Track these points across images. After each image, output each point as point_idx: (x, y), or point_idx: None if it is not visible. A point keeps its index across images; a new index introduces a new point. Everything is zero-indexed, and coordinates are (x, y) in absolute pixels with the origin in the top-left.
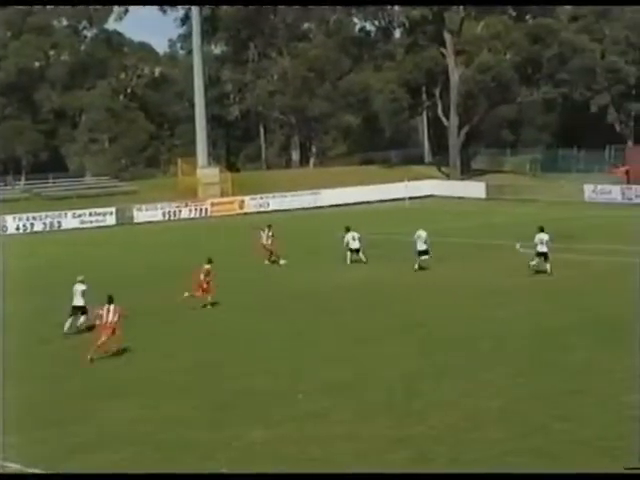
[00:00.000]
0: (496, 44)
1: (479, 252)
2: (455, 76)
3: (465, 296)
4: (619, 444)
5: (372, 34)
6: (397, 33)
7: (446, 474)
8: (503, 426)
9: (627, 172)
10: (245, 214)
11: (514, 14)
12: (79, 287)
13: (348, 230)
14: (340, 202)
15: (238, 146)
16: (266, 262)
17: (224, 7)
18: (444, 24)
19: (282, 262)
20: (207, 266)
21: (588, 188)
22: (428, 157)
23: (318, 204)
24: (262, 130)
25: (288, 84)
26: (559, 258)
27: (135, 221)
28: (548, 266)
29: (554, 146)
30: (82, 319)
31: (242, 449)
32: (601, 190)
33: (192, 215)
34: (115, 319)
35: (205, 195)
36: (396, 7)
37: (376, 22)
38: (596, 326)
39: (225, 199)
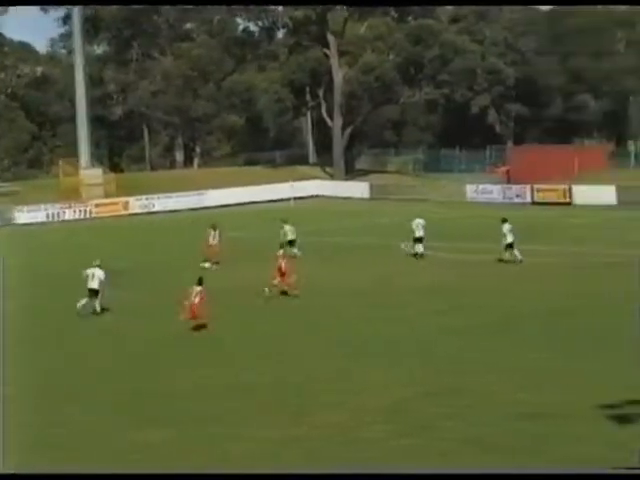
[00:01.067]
0: (379, 45)
1: (364, 251)
2: (339, 77)
3: (352, 295)
4: (509, 441)
5: (255, 34)
6: (280, 34)
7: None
8: (390, 425)
9: (507, 172)
10: (130, 215)
11: (396, 15)
12: (95, 272)
13: (284, 223)
14: (226, 203)
15: (121, 147)
16: (206, 265)
17: (107, 7)
18: (327, 25)
19: (207, 265)
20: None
21: (470, 188)
22: (312, 157)
23: (204, 205)
24: (146, 131)
25: (171, 84)
26: (443, 258)
27: (16, 222)
28: (516, 252)
29: (436, 146)
30: (96, 301)
31: (133, 450)
32: (482, 190)
33: (76, 216)
34: (196, 301)
35: (88, 196)
36: (280, 7)
37: (259, 22)
38: (490, 326)
39: (109, 200)
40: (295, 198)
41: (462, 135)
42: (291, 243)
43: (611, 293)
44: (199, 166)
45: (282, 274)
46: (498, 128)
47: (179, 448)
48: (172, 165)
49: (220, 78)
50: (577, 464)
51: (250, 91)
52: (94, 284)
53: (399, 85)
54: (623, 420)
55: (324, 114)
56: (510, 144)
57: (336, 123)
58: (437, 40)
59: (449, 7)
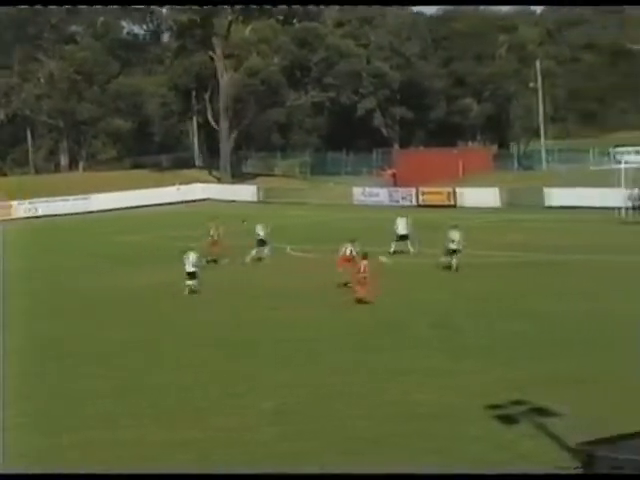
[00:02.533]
0: (264, 48)
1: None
2: (224, 80)
3: (251, 298)
4: (402, 441)
5: (140, 37)
6: (165, 37)
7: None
8: (278, 427)
9: (394, 175)
10: (13, 220)
11: (281, 18)
12: (191, 256)
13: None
14: (112, 207)
15: (5, 150)
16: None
17: None
18: (212, 28)
19: (225, 261)
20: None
21: (357, 191)
22: (199, 161)
23: (89, 209)
24: (29, 134)
25: (55, 87)
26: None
27: None
28: (454, 262)
29: (323, 149)
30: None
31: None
32: (369, 193)
33: None
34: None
35: None
36: (164, 10)
37: (144, 26)
38: (379, 326)
39: None
40: (183, 202)
41: (349, 138)
42: (261, 243)
43: (486, 293)
44: (84, 170)
45: None
46: (384, 131)
47: (83, 450)
48: (57, 169)
49: (105, 81)
50: (473, 465)
51: (136, 95)
52: (190, 268)
53: (285, 88)
54: (509, 420)
55: (210, 118)
56: (396, 147)
57: (222, 126)
58: (322, 43)
59: (334, 11)
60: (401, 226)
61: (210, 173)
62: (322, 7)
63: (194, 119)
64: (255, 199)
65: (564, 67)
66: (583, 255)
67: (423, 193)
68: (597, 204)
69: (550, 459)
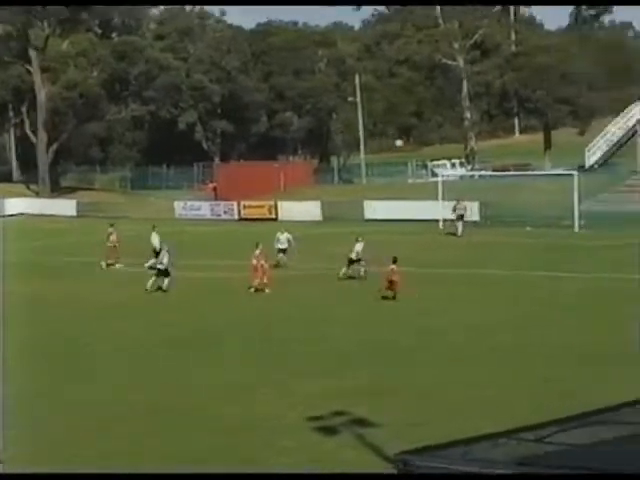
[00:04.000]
0: (82, 61)
1: (76, 269)
2: (42, 93)
3: (85, 310)
4: (213, 456)
5: None
6: None
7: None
8: (98, 443)
9: (215, 189)
10: None
11: (99, 31)
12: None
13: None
14: None
15: None
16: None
17: None
18: (29, 41)
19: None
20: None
21: (178, 205)
22: (16, 175)
23: None
24: None
25: None
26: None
27: None
28: (363, 270)
29: (144, 163)
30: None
31: None
32: (191, 206)
33: None
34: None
35: None
36: None
37: None
38: (192, 341)
39: None
40: (1, 216)
41: (170, 152)
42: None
43: (308, 304)
44: None
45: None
46: (205, 145)
47: None
48: None
49: None
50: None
51: None
52: (163, 265)
53: (104, 101)
54: (330, 431)
55: (28, 131)
56: (217, 161)
57: (40, 140)
58: (142, 56)
59: (153, 25)
60: (282, 240)
61: (28, 187)
62: (141, 20)
63: (11, 132)
64: (75, 213)
65: (382, 81)
66: (403, 267)
67: (245, 207)
68: (416, 216)
69: (368, 469)
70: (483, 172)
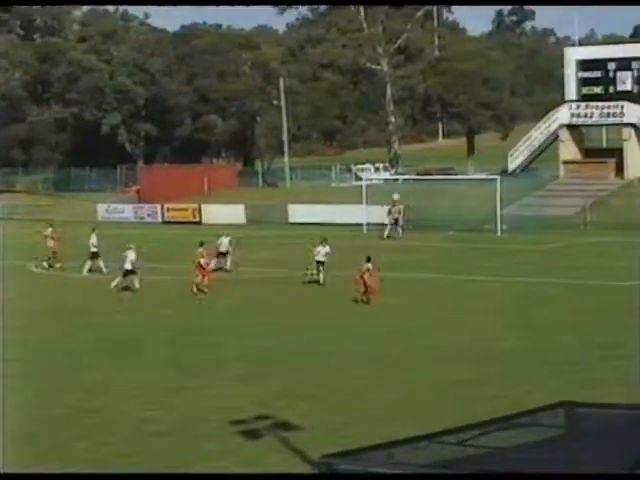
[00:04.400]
0: (4, 63)
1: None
2: None
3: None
4: (138, 460)
5: None
6: None
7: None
8: (27, 447)
9: (138, 191)
10: None
11: (22, 33)
12: (129, 254)
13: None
14: None
15: None
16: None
17: None
18: None
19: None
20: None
21: (101, 207)
22: None
23: None
24: None
25: None
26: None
27: None
28: (322, 276)
29: (66, 165)
30: (135, 279)
31: None
32: (114, 209)
33: None
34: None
35: None
36: None
37: None
38: (112, 346)
39: None
40: None
41: (93, 154)
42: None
43: (236, 309)
44: None
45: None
46: (129, 147)
47: None
48: None
49: None
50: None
51: None
52: (128, 265)
53: (27, 103)
54: (253, 435)
55: None
56: (141, 164)
57: None
58: (65, 58)
59: (76, 26)
60: (223, 244)
61: None
62: (64, 22)
63: None
64: None
65: (307, 85)
66: (330, 271)
67: (168, 210)
68: (339, 220)
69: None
70: (407, 176)
